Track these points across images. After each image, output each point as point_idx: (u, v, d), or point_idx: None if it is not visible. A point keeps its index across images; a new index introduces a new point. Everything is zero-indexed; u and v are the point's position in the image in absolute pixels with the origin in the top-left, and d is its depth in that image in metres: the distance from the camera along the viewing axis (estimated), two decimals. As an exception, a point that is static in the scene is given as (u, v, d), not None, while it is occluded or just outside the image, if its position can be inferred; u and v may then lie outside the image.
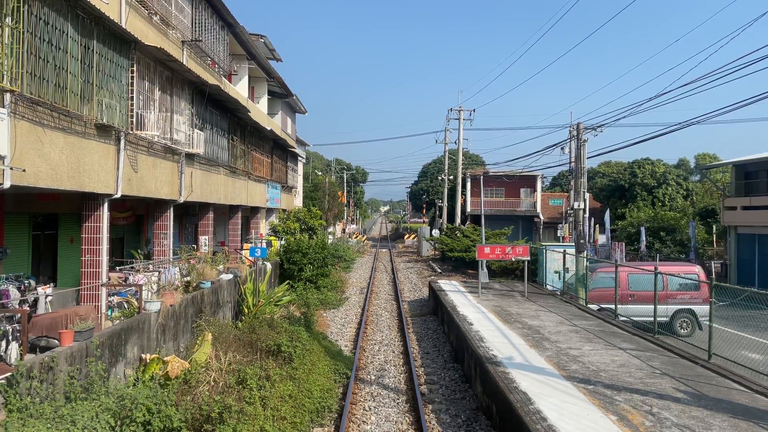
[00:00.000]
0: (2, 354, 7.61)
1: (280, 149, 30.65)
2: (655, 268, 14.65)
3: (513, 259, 21.01)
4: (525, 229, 52.52)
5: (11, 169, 8.31)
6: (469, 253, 34.37)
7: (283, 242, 26.46)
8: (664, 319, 16.71)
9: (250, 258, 19.84)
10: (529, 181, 53.89)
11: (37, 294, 10.79)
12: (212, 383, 10.02)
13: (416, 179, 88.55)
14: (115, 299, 11.88)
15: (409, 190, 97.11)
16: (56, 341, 8.11)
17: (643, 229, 34.83)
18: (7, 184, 8.28)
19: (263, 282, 17.99)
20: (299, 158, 41.14)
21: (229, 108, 20.04)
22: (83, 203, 11.52)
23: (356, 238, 62.77)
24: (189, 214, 21.20)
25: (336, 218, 53.81)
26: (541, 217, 53.32)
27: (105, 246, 11.63)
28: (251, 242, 24.21)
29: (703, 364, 11.14)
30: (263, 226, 29.06)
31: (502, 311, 17.19)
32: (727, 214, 29.83)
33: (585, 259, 20.02)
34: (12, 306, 9.44)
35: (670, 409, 8.50)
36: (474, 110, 43.61)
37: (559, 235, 41.65)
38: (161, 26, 14.49)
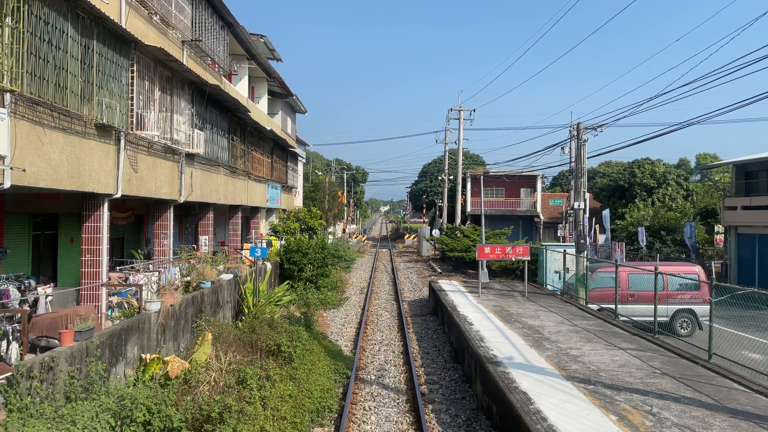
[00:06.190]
0: (2, 354, 7.60)
1: (280, 149, 30.65)
2: (656, 268, 14.64)
3: (513, 259, 21.02)
4: (525, 229, 52.52)
5: (11, 169, 8.32)
6: (469, 253, 34.37)
7: (283, 242, 26.45)
8: (665, 319, 16.71)
9: (250, 258, 19.83)
10: (529, 181, 53.89)
11: (37, 294, 10.80)
12: (212, 383, 10.02)
13: (416, 179, 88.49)
14: (115, 299, 11.88)
15: (409, 190, 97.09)
16: (56, 341, 8.11)
17: (643, 229, 34.80)
18: (7, 184, 8.28)
19: (263, 282, 17.98)
20: (299, 158, 41.13)
21: (229, 108, 20.04)
22: (83, 203, 11.53)
23: (356, 238, 62.74)
24: (189, 214, 21.20)
25: (336, 218, 53.81)
26: (541, 217, 53.31)
27: (105, 246, 11.64)
28: (251, 242, 24.21)
29: (704, 364, 11.14)
30: (263, 226, 29.06)
31: (503, 311, 17.19)
32: (727, 214, 29.83)
33: (585, 259, 20.02)
34: (12, 306, 9.44)
35: (671, 409, 8.49)
36: (474, 110, 43.57)
37: (559, 235, 41.64)
38: (161, 26, 14.49)
